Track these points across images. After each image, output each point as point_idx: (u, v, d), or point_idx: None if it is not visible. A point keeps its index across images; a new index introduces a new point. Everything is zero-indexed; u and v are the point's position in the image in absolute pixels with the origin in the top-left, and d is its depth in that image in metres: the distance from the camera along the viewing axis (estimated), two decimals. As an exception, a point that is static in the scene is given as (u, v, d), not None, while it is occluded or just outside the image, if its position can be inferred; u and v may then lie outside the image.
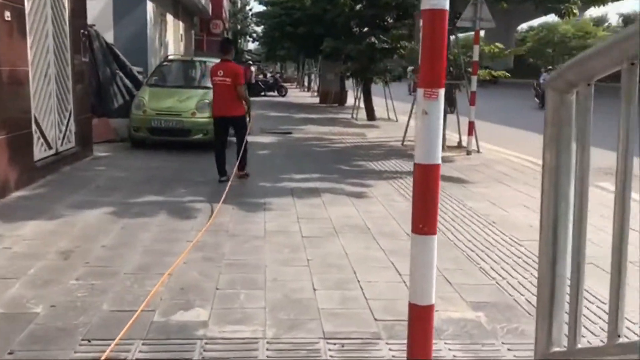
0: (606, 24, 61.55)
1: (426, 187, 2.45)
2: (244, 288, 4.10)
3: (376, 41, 16.75)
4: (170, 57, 12.90)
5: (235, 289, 4.09)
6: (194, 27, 27.34)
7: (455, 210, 6.66)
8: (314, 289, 4.11)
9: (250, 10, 55.36)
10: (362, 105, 19.34)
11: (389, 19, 18.37)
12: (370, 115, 18.83)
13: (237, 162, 8.24)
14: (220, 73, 8.11)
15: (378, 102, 19.21)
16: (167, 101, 10.62)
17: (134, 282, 4.16)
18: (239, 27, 55.97)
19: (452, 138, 12.40)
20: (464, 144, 12.29)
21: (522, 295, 4.13)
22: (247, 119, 8.48)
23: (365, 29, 20.05)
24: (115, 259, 4.66)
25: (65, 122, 8.73)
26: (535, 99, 25.58)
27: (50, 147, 8.18)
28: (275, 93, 32.72)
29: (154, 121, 10.38)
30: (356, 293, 4.07)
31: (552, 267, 2.02)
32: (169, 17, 18.95)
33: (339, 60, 24.67)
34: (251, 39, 55.74)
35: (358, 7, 18.10)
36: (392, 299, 3.95)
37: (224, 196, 6.73)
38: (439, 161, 2.48)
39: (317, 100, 27.77)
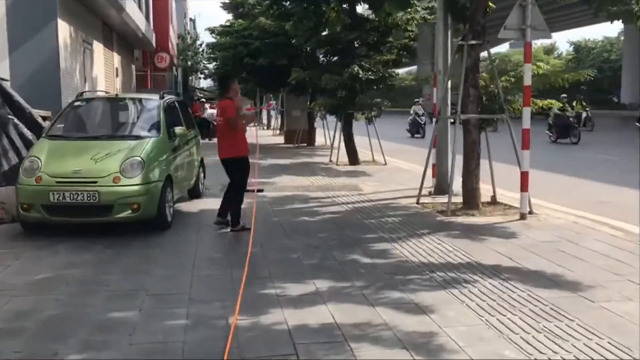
0: (557, 52, 60.74)
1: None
2: None
3: (360, 70, 13.39)
4: (86, 95, 9.12)
5: None
6: (135, 61, 23.62)
7: None
8: None
9: (201, 45, 51.88)
10: (336, 144, 15.91)
11: (370, 42, 15.08)
12: (353, 158, 15.38)
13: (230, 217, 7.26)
14: (218, 113, 7.63)
15: (358, 142, 15.74)
16: (75, 161, 6.89)
17: None
18: (189, 63, 52.40)
19: (486, 192, 9.00)
20: (504, 200, 8.93)
21: None
22: (238, 165, 7.29)
23: (334, 57, 16.79)
24: None
25: None
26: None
27: None
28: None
29: (53, 194, 6.60)
30: None
31: None
32: (98, 46, 15.15)
33: (305, 94, 21.46)
34: (203, 76, 52.30)
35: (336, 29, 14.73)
36: None
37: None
38: None
39: (281, 139, 24.38)
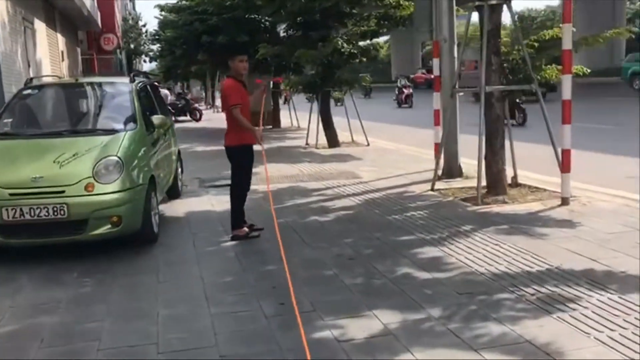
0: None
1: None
2: None
3: (344, 43, 12.07)
4: (37, 81, 7.53)
5: None
6: (79, 43, 21.52)
7: None
8: None
9: (144, 26, 49.17)
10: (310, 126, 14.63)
11: (346, 11, 13.72)
12: (333, 140, 14.12)
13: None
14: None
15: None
16: (33, 166, 5.39)
17: None
18: (132, 46, 49.71)
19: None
20: (522, 180, 7.92)
21: None
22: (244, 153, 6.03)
23: (299, 31, 15.38)
24: None
25: None
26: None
27: None
28: (188, 117, 27.47)
29: (7, 210, 5.12)
30: None
31: None
32: (40, 26, 13.27)
33: (269, 73, 20.03)
34: (148, 58, 49.75)
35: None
36: None
37: None
38: None
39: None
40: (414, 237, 5.72)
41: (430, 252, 5.21)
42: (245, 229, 6.02)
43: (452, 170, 9.07)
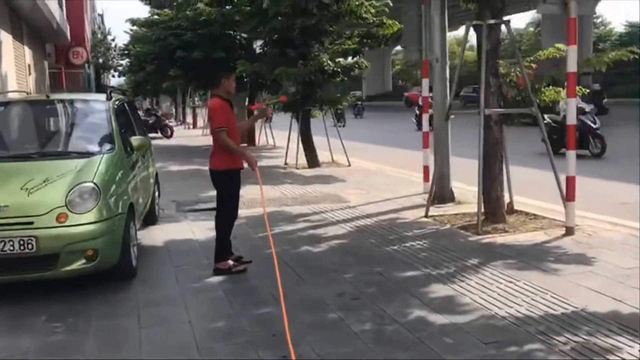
0: (468, 44, 61.55)
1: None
2: None
3: (329, 62, 11.68)
4: (1, 98, 6.90)
5: None
6: (47, 57, 20.70)
7: None
8: None
9: (113, 40, 48.20)
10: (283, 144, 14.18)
11: (328, 30, 13.35)
12: (313, 160, 13.68)
13: None
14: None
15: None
16: (-3, 194, 4.80)
17: None
18: (100, 60, 48.71)
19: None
20: (558, 216, 7.58)
21: None
22: (231, 179, 5.50)
23: (272, 48, 14.97)
24: None
25: None
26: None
27: None
28: (159, 134, 26.77)
29: (-35, 244, 4.51)
30: None
31: None
32: (6, 38, 12.53)
33: (244, 90, 19.60)
34: (117, 73, 48.77)
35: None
36: None
37: None
38: None
39: (216, 140, 22.34)
40: (418, 272, 5.27)
41: (440, 290, 4.77)
42: (230, 262, 5.49)
43: (443, 194, 8.69)
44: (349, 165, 13.51)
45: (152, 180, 7.40)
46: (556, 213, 7.48)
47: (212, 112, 5.40)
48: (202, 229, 7.20)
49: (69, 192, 4.80)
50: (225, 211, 5.56)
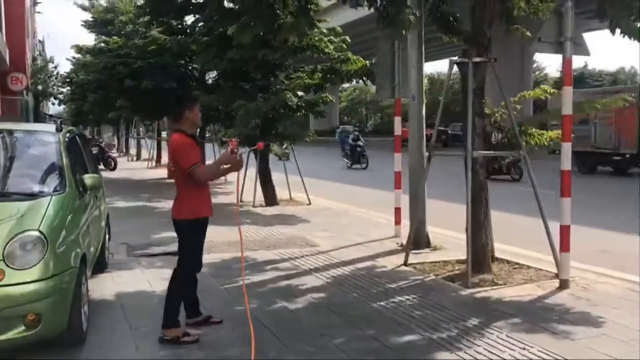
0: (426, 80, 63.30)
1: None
2: None
3: (293, 96, 11.14)
4: None
5: None
6: (-18, 82, 19.35)
7: None
8: None
9: (56, 67, 46.48)
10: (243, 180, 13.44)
11: (288, 64, 12.87)
12: (271, 198, 12.99)
13: None
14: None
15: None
16: None
17: None
18: (40, 87, 46.80)
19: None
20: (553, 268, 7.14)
21: None
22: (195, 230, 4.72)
23: (225, 80, 14.39)
24: None
25: None
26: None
27: None
28: (101, 166, 25.48)
29: None
30: None
31: None
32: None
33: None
34: (57, 101, 46.91)
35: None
36: None
37: None
38: None
39: (162, 173, 21.52)
40: (417, 336, 4.64)
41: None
42: (179, 333, 4.58)
43: (419, 239, 8.15)
44: (309, 203, 12.90)
45: (103, 223, 6.56)
46: (537, 261, 7.10)
47: (177, 151, 4.58)
48: (159, 279, 6.37)
49: (8, 242, 3.96)
50: (188, 264, 4.78)
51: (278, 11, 8.24)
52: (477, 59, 6.63)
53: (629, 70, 65.19)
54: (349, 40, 12.93)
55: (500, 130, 7.02)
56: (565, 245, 6.10)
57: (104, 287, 6.14)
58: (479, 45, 6.69)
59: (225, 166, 4.77)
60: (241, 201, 13.24)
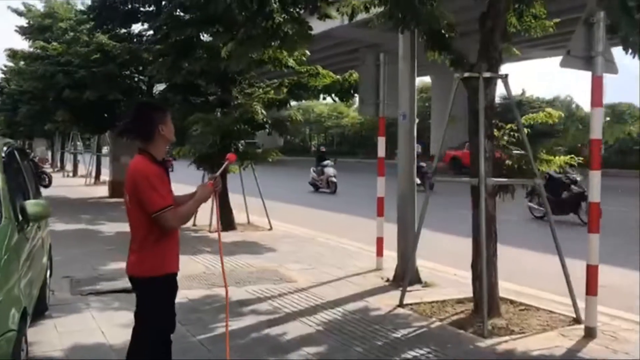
0: (355, 106, 62.85)
1: None
2: None
3: (261, 110, 10.17)
4: None
5: None
6: None
7: None
8: None
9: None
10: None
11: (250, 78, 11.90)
12: (229, 222, 11.87)
13: None
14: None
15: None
16: None
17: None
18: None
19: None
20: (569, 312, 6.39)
21: None
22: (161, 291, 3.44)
23: (175, 93, 13.28)
24: None
25: None
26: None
27: None
28: (34, 183, 23.54)
29: None
30: None
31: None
32: None
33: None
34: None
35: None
36: None
37: None
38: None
39: (102, 191, 20.18)
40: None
41: None
42: None
43: (408, 275, 7.29)
44: (270, 228, 11.87)
45: (45, 258, 5.36)
46: (541, 300, 6.37)
47: (141, 185, 3.30)
48: (114, 326, 5.24)
49: None
50: (154, 328, 3.52)
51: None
52: (487, 74, 5.88)
53: (564, 98, 67.39)
54: (309, 54, 12.02)
55: (510, 155, 6.26)
56: (592, 289, 5.34)
57: (45, 339, 4.94)
58: (490, 58, 5.95)
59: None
60: (194, 225, 12.05)
